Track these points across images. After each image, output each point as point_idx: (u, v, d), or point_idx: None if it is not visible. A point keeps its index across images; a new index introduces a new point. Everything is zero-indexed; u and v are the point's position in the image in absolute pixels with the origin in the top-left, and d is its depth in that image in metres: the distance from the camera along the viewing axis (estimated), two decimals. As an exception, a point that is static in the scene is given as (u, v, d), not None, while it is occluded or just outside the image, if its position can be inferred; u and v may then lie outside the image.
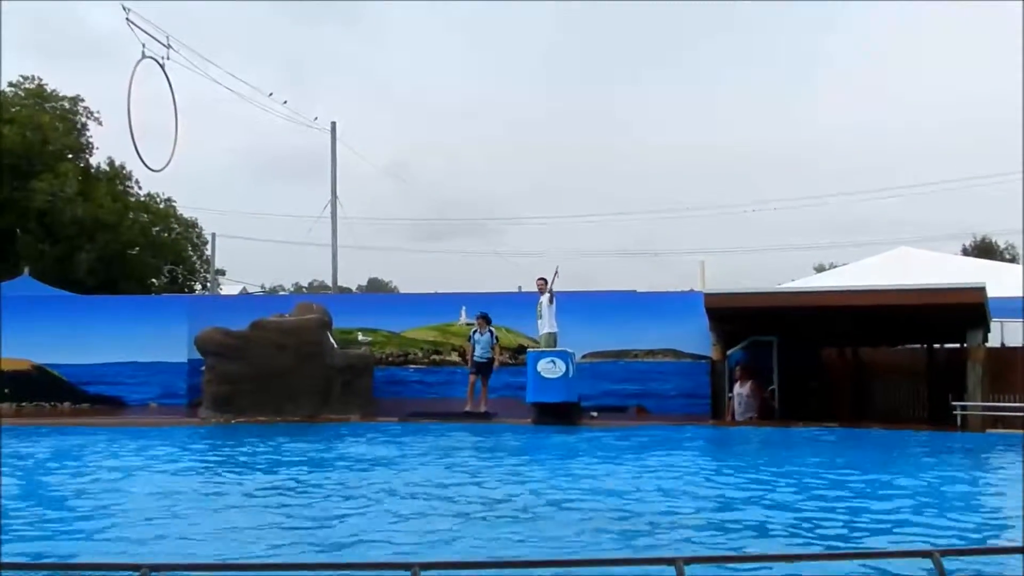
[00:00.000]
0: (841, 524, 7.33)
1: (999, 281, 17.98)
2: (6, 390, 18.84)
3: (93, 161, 38.32)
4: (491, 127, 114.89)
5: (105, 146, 41.25)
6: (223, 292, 41.99)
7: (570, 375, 15.86)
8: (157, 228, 40.15)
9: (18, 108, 35.42)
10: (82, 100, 37.74)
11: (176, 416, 17.63)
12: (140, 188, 39.57)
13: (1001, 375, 16.80)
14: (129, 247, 37.27)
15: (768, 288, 20.43)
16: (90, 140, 38.06)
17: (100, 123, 37.99)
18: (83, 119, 37.74)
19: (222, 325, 17.30)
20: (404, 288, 60.89)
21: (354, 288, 57.11)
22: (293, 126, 78.86)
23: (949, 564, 3.65)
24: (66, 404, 19.00)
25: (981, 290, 15.36)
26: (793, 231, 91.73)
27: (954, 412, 15.96)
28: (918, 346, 19.97)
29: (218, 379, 16.86)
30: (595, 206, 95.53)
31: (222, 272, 45.78)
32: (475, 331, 17.39)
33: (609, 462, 11.25)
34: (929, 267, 21.11)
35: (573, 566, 5.21)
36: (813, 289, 20.83)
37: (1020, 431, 14.33)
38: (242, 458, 12.06)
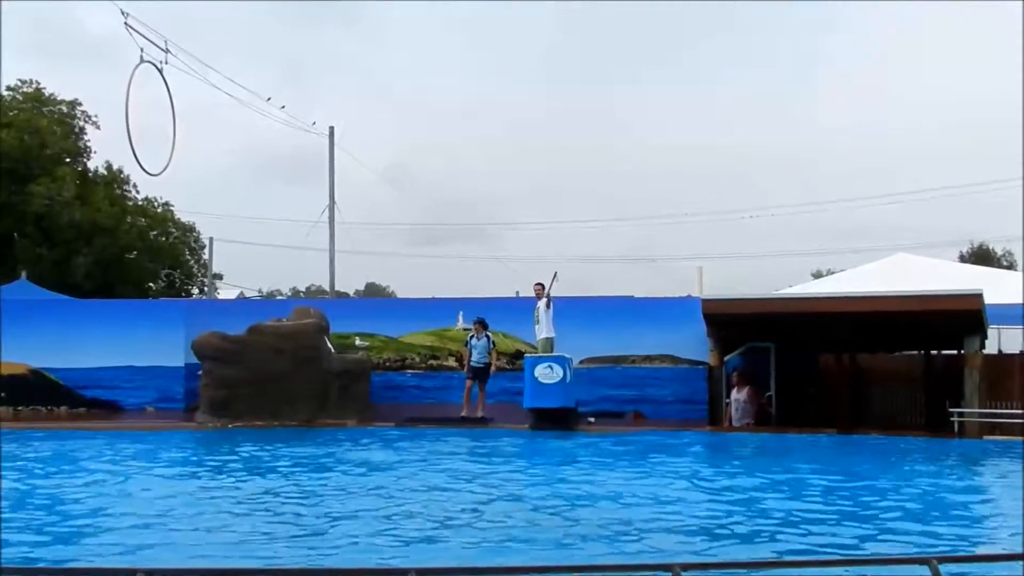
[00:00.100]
0: (838, 531, 7.32)
1: (997, 288, 18.00)
2: (3, 394, 18.79)
3: (91, 165, 38.29)
4: (491, 127, 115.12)
5: (103, 150, 41.27)
6: (220, 296, 42.05)
7: (567, 380, 15.85)
8: (155, 232, 40.10)
9: (16, 112, 35.37)
10: (80, 104, 37.75)
11: (173, 420, 17.61)
12: (138, 192, 39.56)
13: (998, 382, 16.81)
14: (127, 251, 37.23)
15: (766, 294, 20.45)
16: (88, 144, 38.04)
17: (98, 127, 37.98)
18: (81, 123, 37.71)
19: (219, 329, 17.28)
20: (401, 293, 60.90)
21: (351, 293, 57.08)
22: (291, 130, 78.85)
23: (947, 571, 3.64)
24: (63, 408, 18.96)
25: (978, 297, 15.37)
26: (791, 237, 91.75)
27: (951, 419, 15.98)
28: (915, 353, 19.98)
29: (215, 383, 16.83)
30: (594, 206, 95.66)
31: (219, 276, 45.79)
32: (472, 336, 17.39)
33: (605, 468, 11.23)
34: (927, 274, 21.13)
35: (569, 572, 5.20)
36: (811, 295, 20.85)
37: (1017, 438, 14.34)
38: (238, 463, 12.03)
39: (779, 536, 7.15)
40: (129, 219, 37.61)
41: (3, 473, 9.97)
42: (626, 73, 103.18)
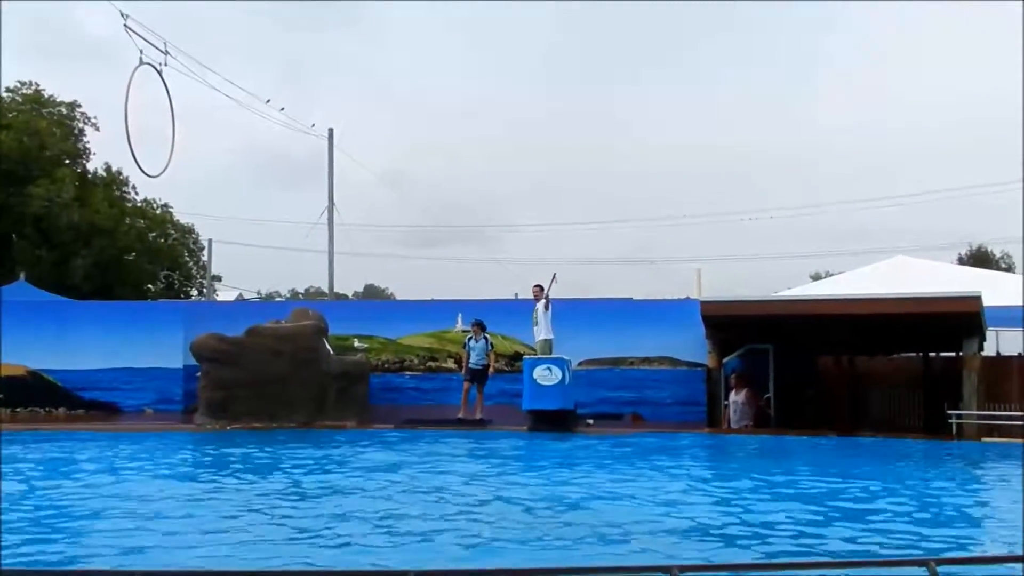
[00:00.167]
0: (836, 533, 7.32)
1: (995, 290, 18.01)
2: (1, 396, 18.79)
3: (90, 167, 38.28)
4: (491, 128, 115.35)
5: (102, 152, 41.30)
6: (219, 298, 42.05)
7: (566, 382, 15.85)
8: (153, 234, 40.10)
9: (15, 113, 35.37)
10: (79, 106, 37.75)
11: (171, 422, 17.61)
12: (137, 194, 39.57)
13: (997, 384, 16.82)
14: (125, 253, 37.21)
15: (764, 296, 20.46)
16: (87, 146, 38.04)
17: (98, 129, 37.98)
18: (80, 125, 37.70)
19: (218, 331, 17.28)
20: (400, 295, 60.91)
21: (350, 295, 57.08)
22: (291, 132, 78.92)
23: (945, 572, 3.64)
24: (61, 410, 18.97)
25: (977, 299, 15.39)
26: (790, 239, 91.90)
27: (950, 421, 15.99)
28: (914, 355, 19.99)
29: (213, 385, 16.83)
30: (594, 206, 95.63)
31: (218, 278, 45.79)
32: (470, 338, 17.39)
33: (604, 470, 11.23)
34: (925, 276, 21.14)
35: (568, 573, 5.20)
36: (809, 297, 20.85)
37: (1016, 440, 14.35)
38: (236, 464, 12.02)
39: (777, 538, 7.14)
40: (128, 221, 37.61)
41: (2, 474, 9.97)
42: (626, 73, 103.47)
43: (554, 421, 15.72)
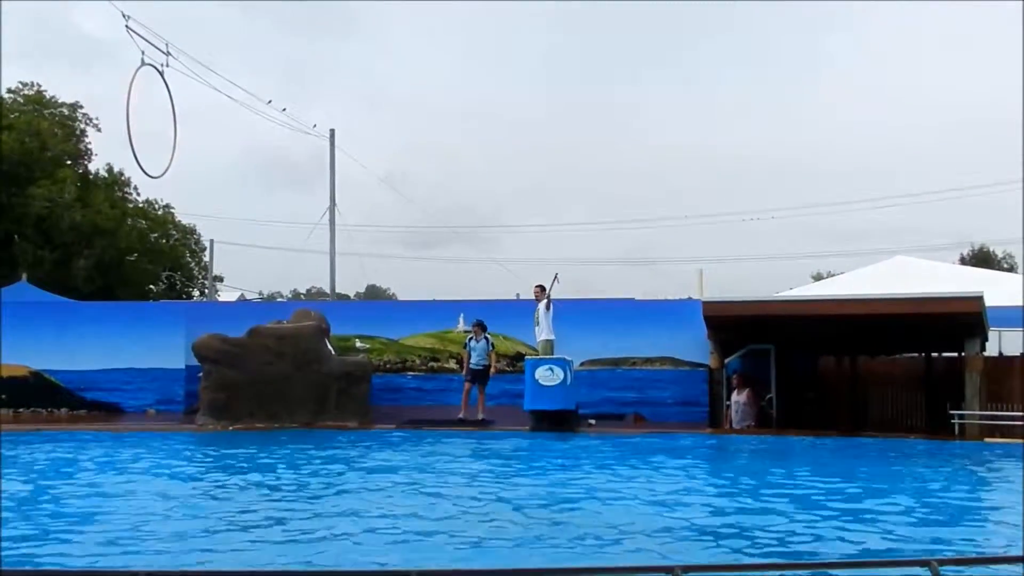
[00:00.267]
0: (838, 532, 7.31)
1: (997, 290, 18.00)
2: (3, 396, 18.81)
3: (92, 167, 38.33)
4: (491, 128, 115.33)
5: (104, 152, 41.37)
6: (221, 299, 41.99)
7: (568, 383, 15.84)
8: (155, 234, 40.14)
9: (17, 114, 35.41)
10: (81, 107, 37.81)
11: (173, 422, 17.61)
12: (138, 194, 39.63)
13: (999, 384, 16.79)
14: (127, 253, 37.24)
15: (766, 296, 20.44)
16: (89, 146, 38.10)
17: (99, 129, 38.04)
18: (82, 125, 37.74)
19: (220, 332, 17.27)
20: (402, 295, 60.91)
21: (352, 295, 57.06)
22: (292, 133, 78.97)
23: (947, 573, 3.64)
24: (63, 410, 18.98)
25: (979, 299, 15.38)
26: (791, 239, 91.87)
27: (952, 421, 15.98)
28: (916, 355, 19.97)
29: (215, 386, 16.83)
30: (594, 205, 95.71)
31: (220, 279, 45.75)
32: (471, 338, 17.39)
33: (606, 470, 11.23)
34: (927, 276, 21.13)
35: (570, 573, 5.20)
36: (811, 298, 20.84)
37: (1018, 440, 14.32)
38: (238, 465, 12.03)
39: (780, 538, 7.14)
40: (130, 221, 37.64)
41: (3, 475, 9.98)
42: (626, 73, 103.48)
43: (556, 421, 15.72)
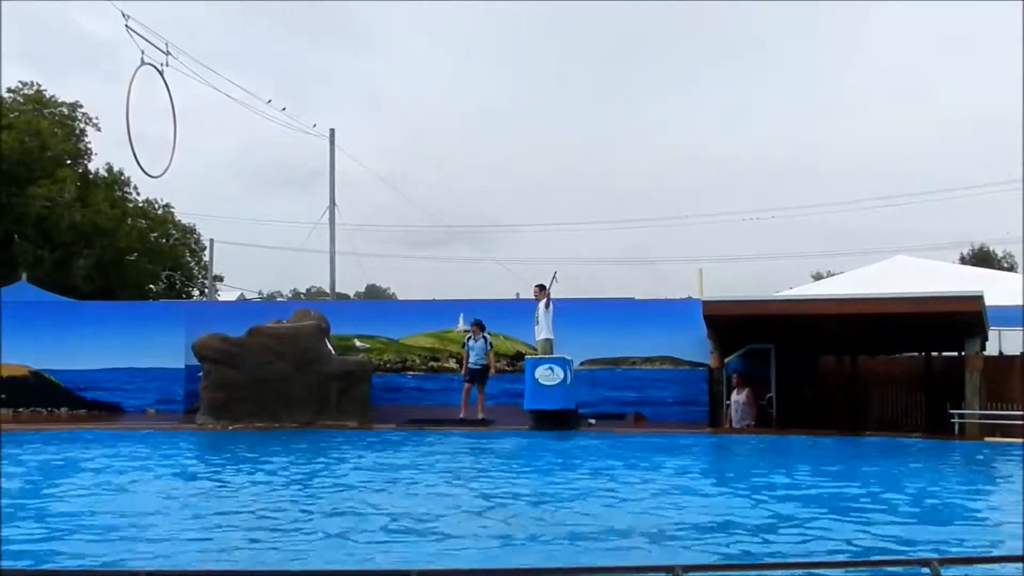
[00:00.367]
0: (838, 532, 7.31)
1: (997, 290, 17.99)
2: (3, 396, 18.82)
3: (91, 167, 38.34)
4: (491, 128, 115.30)
5: (104, 152, 41.37)
6: (221, 298, 42.00)
7: (568, 382, 15.84)
8: (155, 234, 40.15)
9: (17, 114, 35.42)
10: (81, 106, 37.82)
11: (173, 422, 17.60)
12: (138, 194, 39.63)
13: (999, 384, 16.80)
14: (127, 253, 37.25)
15: (766, 296, 20.43)
16: (89, 146, 38.11)
17: (99, 129, 38.06)
18: (82, 125, 37.76)
19: (219, 331, 17.27)
20: (402, 295, 60.90)
21: (352, 295, 57.07)
22: (292, 133, 78.99)
23: (947, 572, 3.64)
24: (63, 410, 18.99)
25: (979, 299, 15.37)
26: (791, 239, 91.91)
27: (952, 421, 15.98)
28: (916, 354, 19.97)
29: (215, 385, 16.83)
30: (594, 207, 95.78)
31: (220, 278, 45.77)
32: (469, 338, 17.39)
33: (606, 469, 11.23)
34: (927, 275, 21.13)
35: (570, 573, 5.19)
36: (811, 297, 20.84)
37: (1018, 440, 14.32)
38: (238, 464, 12.03)
39: (780, 537, 7.14)
40: (129, 221, 37.65)
41: (3, 474, 9.98)
42: (626, 73, 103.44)
43: (556, 421, 15.72)
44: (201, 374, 17.21)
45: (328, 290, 37.13)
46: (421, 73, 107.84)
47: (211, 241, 43.52)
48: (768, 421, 17.44)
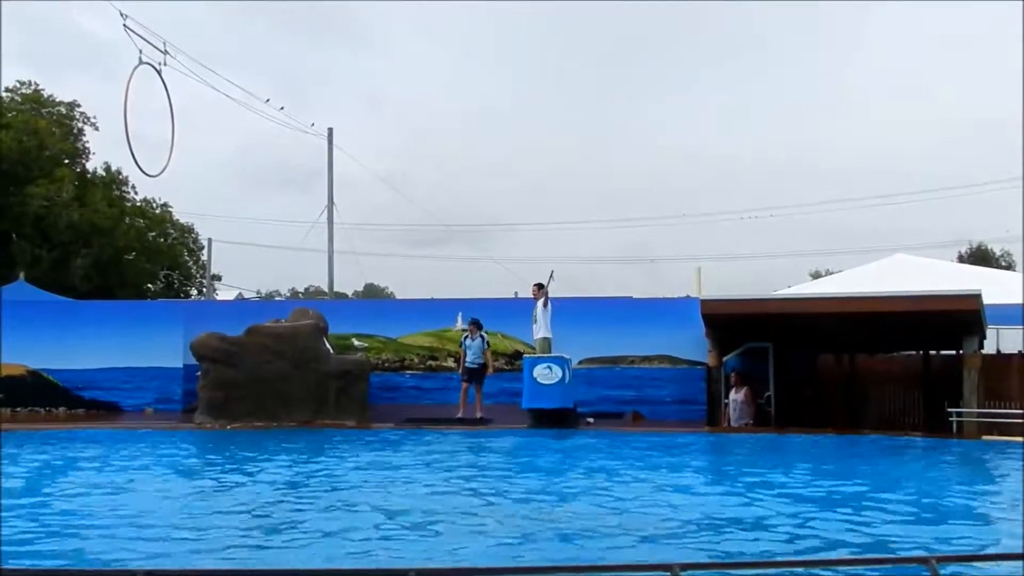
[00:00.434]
0: (836, 530, 7.31)
1: (996, 288, 18.00)
2: (1, 395, 18.79)
3: (89, 166, 38.30)
4: (491, 128, 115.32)
5: (102, 151, 41.33)
6: (219, 297, 42.02)
7: (566, 381, 15.84)
8: (153, 233, 40.11)
9: (15, 113, 35.38)
10: (79, 105, 37.78)
11: (171, 421, 17.60)
12: (136, 193, 39.58)
13: (997, 382, 16.82)
14: (125, 252, 37.22)
15: (764, 294, 20.44)
16: (87, 145, 38.07)
17: (97, 128, 38.03)
18: (80, 124, 37.71)
19: (218, 330, 17.26)
20: (400, 294, 60.88)
21: (350, 294, 57.06)
22: (291, 132, 78.93)
23: (946, 571, 3.64)
24: (61, 409, 18.97)
25: (977, 297, 15.38)
26: (789, 237, 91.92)
27: (950, 419, 15.98)
28: (914, 353, 19.98)
29: (213, 384, 16.82)
30: (593, 206, 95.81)
31: (218, 277, 45.78)
32: (466, 337, 17.38)
33: (603, 468, 11.23)
34: (925, 274, 21.14)
35: (568, 572, 5.19)
36: (809, 295, 20.85)
37: (1016, 438, 14.34)
38: (236, 463, 12.03)
39: (778, 536, 7.14)
40: (127, 220, 37.62)
41: (2, 474, 9.97)
42: (626, 73, 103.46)
43: (554, 420, 15.72)
44: (199, 373, 17.20)
45: (326, 289, 37.12)
46: (421, 73, 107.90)
47: (209, 240, 43.54)
48: (766, 420, 17.44)
